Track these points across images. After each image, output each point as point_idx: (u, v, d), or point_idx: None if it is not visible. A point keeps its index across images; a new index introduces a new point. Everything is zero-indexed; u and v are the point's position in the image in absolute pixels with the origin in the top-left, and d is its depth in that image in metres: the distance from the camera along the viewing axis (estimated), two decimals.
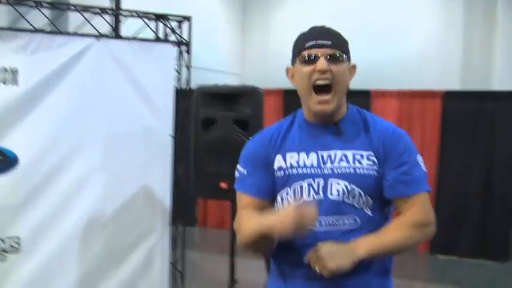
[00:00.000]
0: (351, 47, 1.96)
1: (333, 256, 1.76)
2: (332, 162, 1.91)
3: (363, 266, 1.83)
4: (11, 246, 3.71)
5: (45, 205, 3.84)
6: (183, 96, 4.35)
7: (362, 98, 7.26)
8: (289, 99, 8.00)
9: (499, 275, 6.70)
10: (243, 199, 2.02)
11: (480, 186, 7.05)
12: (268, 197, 1.98)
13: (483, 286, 6.37)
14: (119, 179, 4.07)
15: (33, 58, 3.73)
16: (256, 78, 8.85)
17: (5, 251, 3.70)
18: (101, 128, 4.00)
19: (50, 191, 3.84)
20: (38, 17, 3.85)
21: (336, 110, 1.93)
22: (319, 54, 1.87)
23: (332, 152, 1.92)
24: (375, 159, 1.91)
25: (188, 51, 4.32)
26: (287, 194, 1.95)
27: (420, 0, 9.62)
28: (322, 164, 1.91)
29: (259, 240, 1.80)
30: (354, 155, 1.91)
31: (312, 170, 1.92)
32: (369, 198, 1.89)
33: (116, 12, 4.24)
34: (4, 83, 3.64)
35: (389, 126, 1.98)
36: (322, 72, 1.86)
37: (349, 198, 1.88)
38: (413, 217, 1.90)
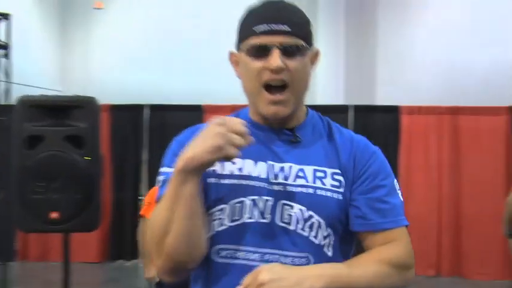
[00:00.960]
0: None
1: (279, 285, 1.28)
2: (286, 178, 1.44)
3: None
4: None
5: None
6: (1, 109, 3.67)
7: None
8: (117, 116, 7.51)
9: None
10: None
11: None
12: None
13: None
14: None
15: None
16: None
17: None
18: None
19: None
20: None
21: (292, 113, 1.49)
22: (273, 45, 1.40)
23: (286, 165, 1.46)
24: (342, 179, 1.46)
25: (7, 56, 3.65)
26: (221, 211, 1.45)
27: None
28: (273, 178, 1.44)
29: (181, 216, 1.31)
30: (314, 172, 1.45)
31: (260, 184, 1.44)
32: (331, 232, 1.44)
33: None
34: None
35: (361, 139, 1.55)
36: (276, 71, 1.41)
37: (304, 229, 1.42)
38: (394, 255, 1.43)
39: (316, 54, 1.52)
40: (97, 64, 9.56)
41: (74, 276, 3.48)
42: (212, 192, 1.45)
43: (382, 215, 1.45)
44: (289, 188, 1.43)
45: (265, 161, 1.46)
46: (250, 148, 1.39)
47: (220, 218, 1.44)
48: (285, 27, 1.41)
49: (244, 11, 1.48)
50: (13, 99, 3.67)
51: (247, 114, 1.55)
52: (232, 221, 1.43)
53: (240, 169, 1.45)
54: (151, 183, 7.82)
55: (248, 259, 1.40)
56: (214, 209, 1.45)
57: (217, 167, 1.44)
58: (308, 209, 1.42)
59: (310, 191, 1.42)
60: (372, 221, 1.45)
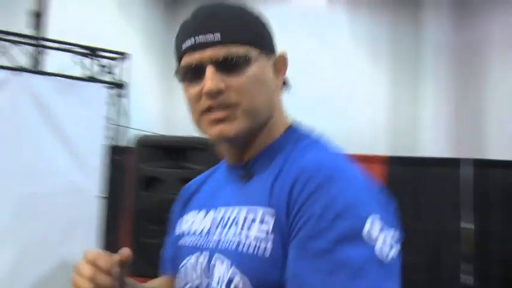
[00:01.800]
0: None
1: None
2: (224, 226, 1.08)
3: None
4: None
5: None
6: (117, 150, 3.62)
7: None
8: None
9: None
10: None
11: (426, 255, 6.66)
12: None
13: None
14: (33, 247, 3.27)
15: None
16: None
17: None
18: (14, 182, 3.21)
19: None
20: None
21: (246, 135, 1.09)
22: (203, 63, 1.07)
23: (229, 210, 1.10)
24: (271, 224, 1.00)
25: (124, 95, 3.63)
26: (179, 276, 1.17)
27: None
28: (214, 229, 1.11)
29: None
30: (247, 214, 1.05)
31: (200, 239, 1.13)
32: None
33: (38, 43, 3.49)
34: None
35: (315, 161, 1.03)
36: (211, 95, 1.05)
37: None
38: None
39: (281, 61, 1.15)
40: None
41: None
42: (175, 256, 1.22)
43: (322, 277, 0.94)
44: (222, 240, 1.07)
45: (215, 208, 1.15)
46: (207, 195, 1.19)
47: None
48: (215, 37, 1.07)
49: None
50: (127, 139, 3.64)
51: None
52: None
53: (190, 225, 1.20)
54: None
55: None
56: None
57: (177, 229, 1.23)
58: (233, 264, 1.03)
59: (235, 243, 1.04)
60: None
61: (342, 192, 0.95)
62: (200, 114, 1.08)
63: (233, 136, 1.07)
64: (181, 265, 1.15)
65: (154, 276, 3.32)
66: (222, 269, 1.04)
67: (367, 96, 7.89)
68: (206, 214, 1.16)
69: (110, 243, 3.60)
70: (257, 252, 1.00)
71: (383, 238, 0.93)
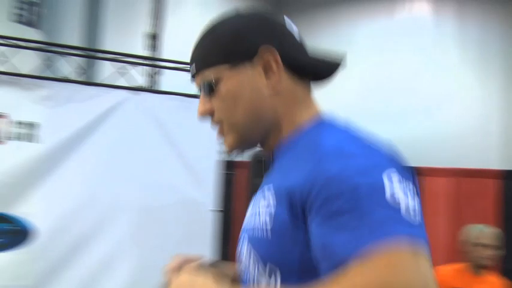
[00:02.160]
0: None
1: None
2: (253, 212, 1.16)
3: None
4: None
5: None
6: (229, 164, 3.72)
7: None
8: None
9: None
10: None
11: None
12: None
13: None
14: (152, 258, 3.40)
15: (57, 111, 3.16)
16: None
17: None
18: (133, 196, 3.37)
19: (70, 271, 3.20)
20: (66, 64, 3.29)
21: (244, 144, 1.20)
22: (198, 89, 1.21)
23: (256, 197, 1.18)
24: (274, 207, 1.05)
25: None
26: None
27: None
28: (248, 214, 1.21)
29: None
30: (264, 198, 1.11)
31: (245, 224, 1.20)
32: (275, 273, 1.05)
33: (154, 63, 3.67)
34: (23, 139, 3.06)
35: (327, 146, 1.03)
36: (203, 119, 1.20)
37: (256, 270, 1.10)
38: (374, 277, 0.86)
39: (267, 58, 1.14)
40: None
41: None
42: None
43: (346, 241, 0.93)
44: (247, 222, 1.17)
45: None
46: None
47: None
48: (194, 69, 1.19)
49: None
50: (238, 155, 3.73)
51: None
52: None
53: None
54: None
55: None
56: None
57: None
58: (249, 243, 1.13)
59: (252, 223, 1.12)
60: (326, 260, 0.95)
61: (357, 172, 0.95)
62: None
63: (230, 149, 1.20)
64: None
65: None
66: (246, 249, 1.14)
67: (477, 108, 7.60)
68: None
69: (224, 255, 3.69)
70: (261, 233, 1.07)
71: (402, 191, 0.93)
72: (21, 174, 3.05)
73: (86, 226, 3.26)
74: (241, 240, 1.18)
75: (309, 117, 1.17)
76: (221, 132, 1.19)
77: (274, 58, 1.14)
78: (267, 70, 1.15)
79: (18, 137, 3.09)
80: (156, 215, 3.43)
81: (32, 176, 3.08)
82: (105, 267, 3.30)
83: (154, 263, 3.31)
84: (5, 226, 3.06)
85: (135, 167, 3.37)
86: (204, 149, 3.59)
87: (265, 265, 1.06)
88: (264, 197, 1.10)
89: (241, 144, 1.19)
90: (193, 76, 1.20)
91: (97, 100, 3.27)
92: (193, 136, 3.55)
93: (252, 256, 1.10)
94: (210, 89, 1.16)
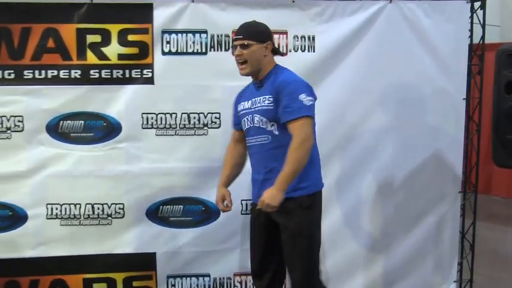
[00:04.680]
0: None
1: (273, 200, 2.81)
2: (254, 104, 3.05)
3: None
4: None
5: (337, 171, 3.97)
6: (476, 57, 4.07)
7: None
8: None
9: None
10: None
11: None
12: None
13: None
14: (409, 144, 3.99)
15: (328, 25, 3.82)
16: None
17: None
18: (391, 92, 3.95)
19: (343, 157, 3.96)
20: None
21: (252, 73, 3.06)
22: (237, 45, 3.02)
23: (256, 98, 3.05)
24: (272, 100, 2.94)
25: (482, 7, 4.01)
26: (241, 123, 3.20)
27: None
28: (251, 106, 3.07)
29: None
30: (263, 98, 3.00)
31: (247, 111, 3.10)
32: (273, 123, 2.97)
33: None
34: (303, 50, 3.80)
35: (286, 77, 2.97)
36: (238, 56, 3.03)
37: (262, 124, 3.00)
38: (294, 140, 2.83)
39: (268, 45, 3.04)
40: None
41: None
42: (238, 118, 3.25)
43: (287, 114, 2.87)
44: (255, 108, 3.04)
45: (250, 98, 3.10)
46: (247, 94, 3.17)
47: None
48: (240, 36, 3.03)
49: None
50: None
51: None
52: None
53: (243, 106, 3.16)
54: None
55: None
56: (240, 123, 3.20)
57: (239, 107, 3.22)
58: (260, 115, 3.00)
59: (260, 107, 3.00)
60: (283, 117, 2.89)
61: (296, 85, 2.91)
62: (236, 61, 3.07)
63: (245, 73, 3.07)
64: (240, 122, 3.18)
65: None
66: (257, 118, 3.02)
67: None
68: (248, 101, 3.11)
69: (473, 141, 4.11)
70: (268, 109, 2.96)
71: (307, 98, 2.88)
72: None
73: (353, 119, 3.95)
74: (249, 115, 3.07)
75: (273, 66, 3.08)
76: (243, 65, 3.01)
77: (270, 46, 3.05)
78: (266, 49, 3.03)
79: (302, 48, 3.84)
80: (411, 106, 3.99)
81: (310, 81, 3.80)
82: (371, 152, 3.98)
83: (412, 147, 3.93)
84: None
85: (394, 64, 3.91)
86: (454, 44, 3.99)
87: (269, 122, 2.96)
88: (263, 96, 2.99)
89: (252, 71, 3.02)
90: (238, 39, 3.01)
91: (359, 12, 3.86)
92: (444, 34, 3.95)
93: (262, 120, 2.99)
94: (245, 47, 2.99)
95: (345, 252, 4.04)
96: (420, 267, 4.17)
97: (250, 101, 3.07)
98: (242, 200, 3.83)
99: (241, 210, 3.87)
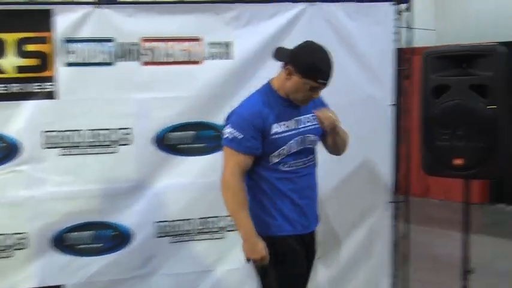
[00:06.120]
0: None
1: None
2: (301, 123, 2.82)
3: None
4: (230, 224, 3.63)
5: None
6: (404, 61, 3.90)
7: None
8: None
9: None
10: (239, 157, 2.66)
11: None
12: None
13: None
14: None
15: (246, 30, 3.57)
16: (457, 34, 8.17)
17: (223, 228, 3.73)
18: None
19: None
20: None
21: None
22: (319, 89, 2.71)
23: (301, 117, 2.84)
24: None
25: (408, 9, 3.84)
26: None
27: None
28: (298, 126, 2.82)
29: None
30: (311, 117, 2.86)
31: (295, 132, 2.77)
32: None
33: None
34: (218, 57, 3.54)
35: None
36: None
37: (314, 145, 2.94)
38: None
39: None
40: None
41: (456, 215, 3.59)
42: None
43: None
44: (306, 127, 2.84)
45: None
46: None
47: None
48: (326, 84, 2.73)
49: (316, 59, 2.69)
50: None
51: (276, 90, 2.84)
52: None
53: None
54: None
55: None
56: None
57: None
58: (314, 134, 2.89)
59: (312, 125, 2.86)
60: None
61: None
62: (305, 97, 2.73)
63: None
64: (285, 144, 2.71)
65: (445, 175, 3.69)
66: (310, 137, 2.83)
67: None
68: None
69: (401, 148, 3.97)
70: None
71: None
72: (219, 88, 3.56)
73: None
74: (299, 133, 2.76)
75: None
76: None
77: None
78: None
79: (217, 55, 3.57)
80: (337, 114, 3.76)
81: (228, 89, 3.55)
82: None
83: (341, 157, 3.71)
84: (212, 133, 3.60)
85: None
86: (379, 48, 3.81)
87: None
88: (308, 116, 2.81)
89: None
90: (325, 84, 2.68)
91: (278, 15, 3.61)
92: (369, 38, 3.77)
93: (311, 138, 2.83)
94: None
95: None
96: (353, 279, 4.02)
97: (293, 120, 2.76)
98: (155, 222, 3.57)
99: (156, 233, 3.57)
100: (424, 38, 4.08)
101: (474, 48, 3.36)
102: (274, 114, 2.70)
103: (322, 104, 2.87)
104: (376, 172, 3.91)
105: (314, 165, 2.89)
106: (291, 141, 2.72)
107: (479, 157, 3.28)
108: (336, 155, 3.07)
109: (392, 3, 3.80)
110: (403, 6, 3.84)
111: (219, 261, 3.71)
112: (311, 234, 2.89)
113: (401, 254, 4.10)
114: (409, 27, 3.86)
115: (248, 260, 2.67)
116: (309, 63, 2.63)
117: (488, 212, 7.84)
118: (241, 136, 2.63)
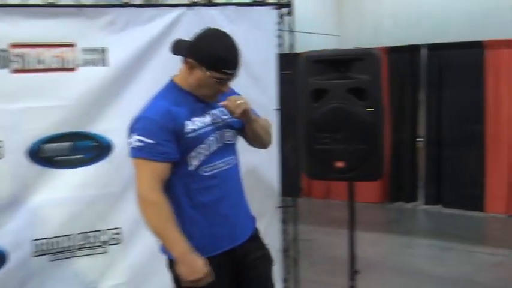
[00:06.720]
0: None
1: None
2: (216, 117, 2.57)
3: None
4: (112, 238, 3.54)
5: None
6: (287, 65, 3.89)
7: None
8: (394, 58, 7.62)
9: None
10: (154, 166, 2.30)
11: None
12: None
13: None
14: None
15: (122, 35, 3.43)
16: (357, 39, 8.34)
17: (106, 242, 3.53)
18: None
19: None
20: None
21: None
22: (228, 80, 2.44)
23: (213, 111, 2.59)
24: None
25: (290, 13, 3.83)
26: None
27: None
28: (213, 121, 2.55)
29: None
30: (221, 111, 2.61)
31: (210, 127, 2.51)
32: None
33: None
34: (93, 64, 3.37)
35: None
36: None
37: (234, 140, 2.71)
38: None
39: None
40: (371, 5, 9.41)
41: (357, 216, 3.65)
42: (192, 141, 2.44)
43: None
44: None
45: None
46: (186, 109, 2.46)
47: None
48: (235, 73, 2.47)
49: (219, 48, 2.38)
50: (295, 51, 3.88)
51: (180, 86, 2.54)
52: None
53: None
54: (430, 124, 7.68)
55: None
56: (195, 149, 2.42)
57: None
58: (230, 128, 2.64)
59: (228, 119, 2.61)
60: None
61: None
62: (213, 91, 2.44)
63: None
64: (203, 142, 2.41)
65: (327, 178, 3.72)
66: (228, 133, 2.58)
67: None
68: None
69: (287, 150, 3.95)
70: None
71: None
72: (95, 96, 3.40)
73: None
74: (217, 128, 2.51)
75: None
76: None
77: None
78: None
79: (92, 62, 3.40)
80: None
81: (106, 96, 3.41)
82: None
83: None
84: (89, 143, 3.44)
85: None
86: (262, 52, 3.76)
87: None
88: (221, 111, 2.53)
89: None
90: (232, 74, 2.41)
91: (157, 19, 3.50)
92: (251, 42, 3.70)
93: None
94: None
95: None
96: None
97: (207, 115, 2.48)
98: (32, 241, 3.35)
99: (33, 251, 3.36)
100: (327, 43, 4.09)
101: (351, 52, 3.38)
102: (185, 111, 2.39)
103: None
104: (262, 178, 3.87)
105: (237, 165, 2.61)
106: (210, 138, 2.44)
107: (359, 159, 3.30)
108: (262, 147, 2.81)
109: (273, 7, 3.77)
110: (285, 10, 3.83)
111: (102, 276, 3.54)
112: (245, 243, 2.56)
113: (291, 258, 4.09)
114: (291, 31, 3.86)
115: (188, 285, 2.29)
116: (212, 53, 2.33)
117: (387, 210, 8.02)
118: (153, 142, 2.28)
